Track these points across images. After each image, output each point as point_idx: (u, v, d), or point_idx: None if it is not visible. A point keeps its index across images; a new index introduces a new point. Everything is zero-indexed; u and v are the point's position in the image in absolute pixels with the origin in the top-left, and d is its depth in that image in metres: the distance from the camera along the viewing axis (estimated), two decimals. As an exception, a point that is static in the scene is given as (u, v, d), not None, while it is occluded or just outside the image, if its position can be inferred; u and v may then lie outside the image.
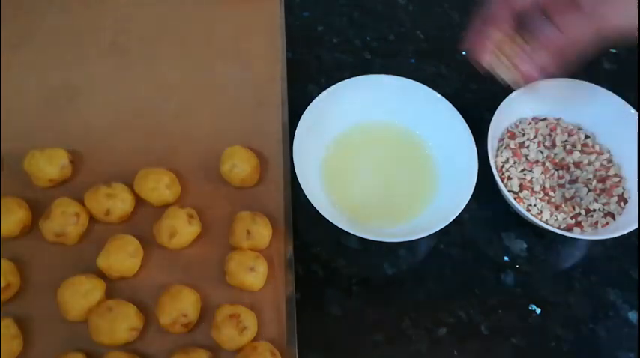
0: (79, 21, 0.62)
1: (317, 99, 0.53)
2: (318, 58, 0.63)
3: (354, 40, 0.64)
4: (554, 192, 0.54)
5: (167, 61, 0.61)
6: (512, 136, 0.56)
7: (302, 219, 0.54)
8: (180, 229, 0.49)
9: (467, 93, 0.62)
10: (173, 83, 0.59)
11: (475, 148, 0.52)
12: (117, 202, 0.50)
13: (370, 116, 0.57)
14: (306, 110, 0.53)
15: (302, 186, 0.49)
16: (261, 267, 0.49)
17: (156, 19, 0.63)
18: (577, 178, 0.55)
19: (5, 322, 0.45)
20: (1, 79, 0.58)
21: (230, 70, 0.60)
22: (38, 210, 0.51)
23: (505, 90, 0.54)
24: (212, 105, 0.58)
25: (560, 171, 0.55)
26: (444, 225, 0.48)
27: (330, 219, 0.48)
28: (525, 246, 0.54)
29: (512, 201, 0.51)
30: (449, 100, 0.54)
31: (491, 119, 0.53)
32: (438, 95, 0.55)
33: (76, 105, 0.57)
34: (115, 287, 0.49)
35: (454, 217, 0.48)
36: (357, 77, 0.55)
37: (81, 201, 0.51)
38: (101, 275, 0.48)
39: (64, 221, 0.49)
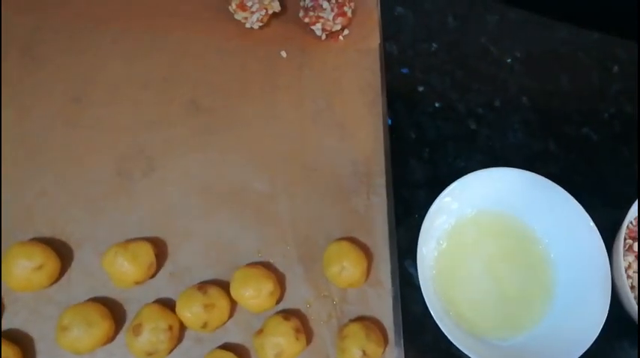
0: (150, 70, 0.53)
1: (435, 205, 0.47)
2: (418, 125, 0.56)
3: (457, 104, 0.57)
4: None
5: (253, 124, 0.53)
6: (634, 236, 0.52)
7: (407, 323, 0.49)
8: (288, 347, 0.44)
9: (575, 176, 0.57)
10: (262, 154, 0.52)
11: (608, 262, 0.47)
12: (214, 313, 0.44)
13: (483, 211, 0.51)
14: (429, 211, 0.47)
15: (425, 298, 0.44)
16: (377, 392, 0.44)
17: (239, 70, 0.54)
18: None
19: None
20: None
21: (326, 139, 0.53)
22: (119, 312, 0.45)
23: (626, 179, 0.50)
24: (307, 183, 0.51)
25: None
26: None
27: (450, 338, 0.43)
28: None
29: (642, 319, 0.47)
30: (555, 182, 0.49)
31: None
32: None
33: (152, 180, 0.49)
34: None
35: (586, 348, 0.44)
36: (478, 172, 0.48)
37: (169, 305, 0.45)
38: (196, 396, 0.43)
39: (157, 338, 0.42)
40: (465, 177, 0.48)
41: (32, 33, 0.53)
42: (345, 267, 0.46)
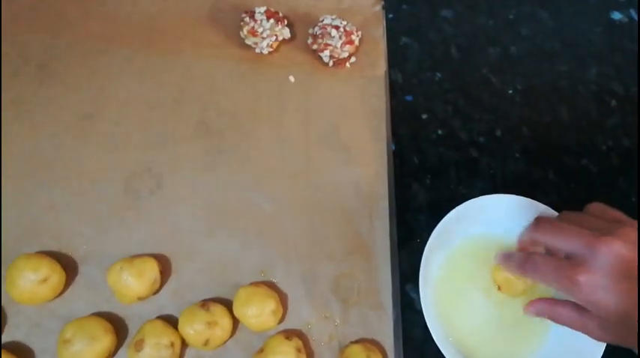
0: (161, 90, 0.54)
1: (437, 230, 0.48)
2: (422, 152, 0.57)
3: (459, 132, 0.59)
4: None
5: (261, 145, 0.54)
6: (633, 267, 0.52)
7: (407, 347, 0.49)
8: (289, 367, 0.44)
9: (574, 203, 0.57)
10: (268, 174, 0.53)
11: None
12: (217, 330, 0.44)
13: (485, 233, 0.52)
14: (432, 237, 0.47)
15: (428, 322, 0.45)
16: (377, 415, 0.44)
17: (248, 93, 0.56)
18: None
19: None
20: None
21: (330, 161, 0.54)
22: (121, 328, 0.45)
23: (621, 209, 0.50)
24: (311, 203, 0.52)
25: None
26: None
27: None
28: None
29: None
30: (555, 210, 0.50)
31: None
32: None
33: (159, 198, 0.50)
34: None
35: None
36: (480, 199, 0.49)
37: (171, 321, 0.45)
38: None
39: (159, 354, 0.42)
40: (467, 202, 0.49)
41: (47, 50, 0.54)
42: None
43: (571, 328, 0.41)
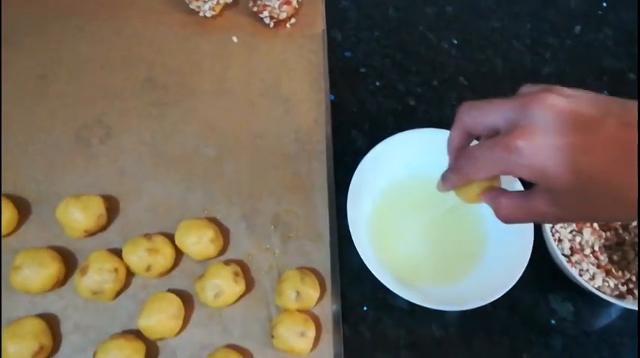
0: (110, 52, 0.59)
1: (369, 154, 0.51)
2: (361, 102, 0.61)
3: (397, 84, 0.62)
4: (603, 255, 0.53)
5: (205, 98, 0.58)
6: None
7: (346, 275, 0.52)
8: (226, 289, 0.47)
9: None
10: (212, 124, 0.56)
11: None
12: (158, 258, 0.47)
13: (418, 170, 0.55)
14: (359, 166, 0.50)
15: (356, 245, 0.47)
16: (311, 332, 0.46)
17: (193, 52, 0.60)
18: (624, 241, 0.54)
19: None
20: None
21: (271, 111, 0.58)
22: (71, 261, 0.48)
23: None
24: (253, 149, 0.55)
25: (608, 233, 0.54)
26: (496, 297, 0.46)
27: (383, 282, 0.46)
28: (572, 309, 0.53)
29: (567, 266, 0.50)
30: None
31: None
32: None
33: (108, 146, 0.54)
34: (154, 347, 0.46)
35: (507, 289, 0.47)
36: (411, 131, 0.52)
37: (118, 253, 0.48)
38: (140, 335, 0.45)
39: (102, 278, 0.45)
40: (395, 136, 0.52)
41: (4, 20, 0.59)
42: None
43: (517, 221, 0.36)
